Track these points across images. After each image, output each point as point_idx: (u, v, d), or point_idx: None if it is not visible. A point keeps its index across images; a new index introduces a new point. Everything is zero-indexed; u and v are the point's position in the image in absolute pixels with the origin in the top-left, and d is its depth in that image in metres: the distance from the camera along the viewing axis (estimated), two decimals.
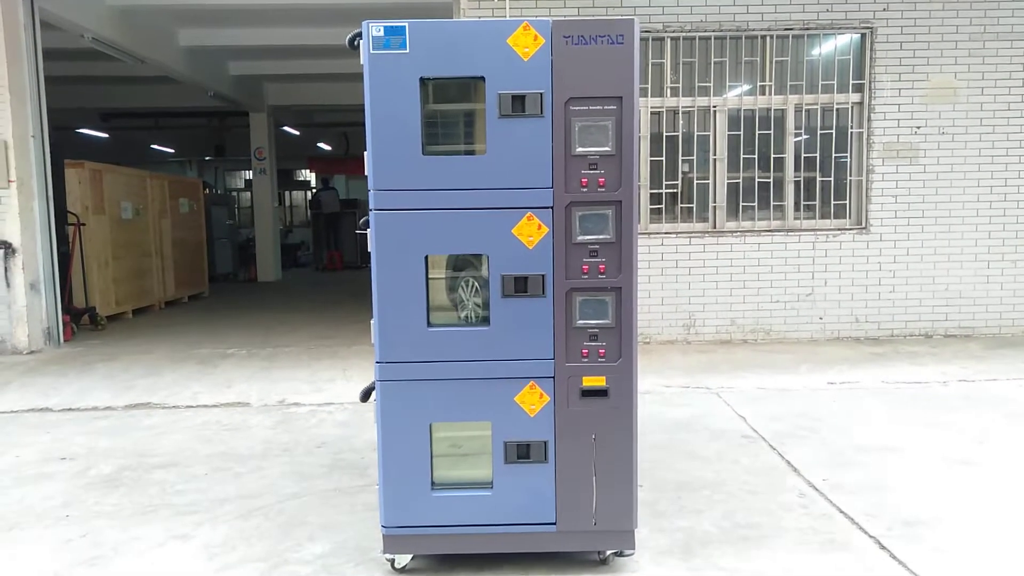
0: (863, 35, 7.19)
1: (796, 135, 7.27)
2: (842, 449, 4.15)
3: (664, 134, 7.21)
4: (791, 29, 7.13)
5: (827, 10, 7.08)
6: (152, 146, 20.58)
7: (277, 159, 15.78)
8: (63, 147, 10.20)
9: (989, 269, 7.32)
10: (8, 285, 7.12)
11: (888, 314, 7.31)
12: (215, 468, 4.05)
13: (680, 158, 7.26)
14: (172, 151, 21.56)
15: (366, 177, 2.62)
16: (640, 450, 3.00)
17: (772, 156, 7.27)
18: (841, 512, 3.32)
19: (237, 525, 3.32)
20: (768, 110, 7.23)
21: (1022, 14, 7.11)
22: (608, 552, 2.80)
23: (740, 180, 7.29)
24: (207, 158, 22.20)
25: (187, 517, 3.41)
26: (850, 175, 7.33)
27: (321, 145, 21.13)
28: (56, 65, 10.13)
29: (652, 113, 7.19)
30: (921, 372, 5.96)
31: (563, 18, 6.84)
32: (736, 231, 7.26)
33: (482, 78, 2.56)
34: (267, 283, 14.65)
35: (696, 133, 7.24)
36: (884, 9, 7.09)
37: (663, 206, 7.27)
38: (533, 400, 2.68)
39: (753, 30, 7.11)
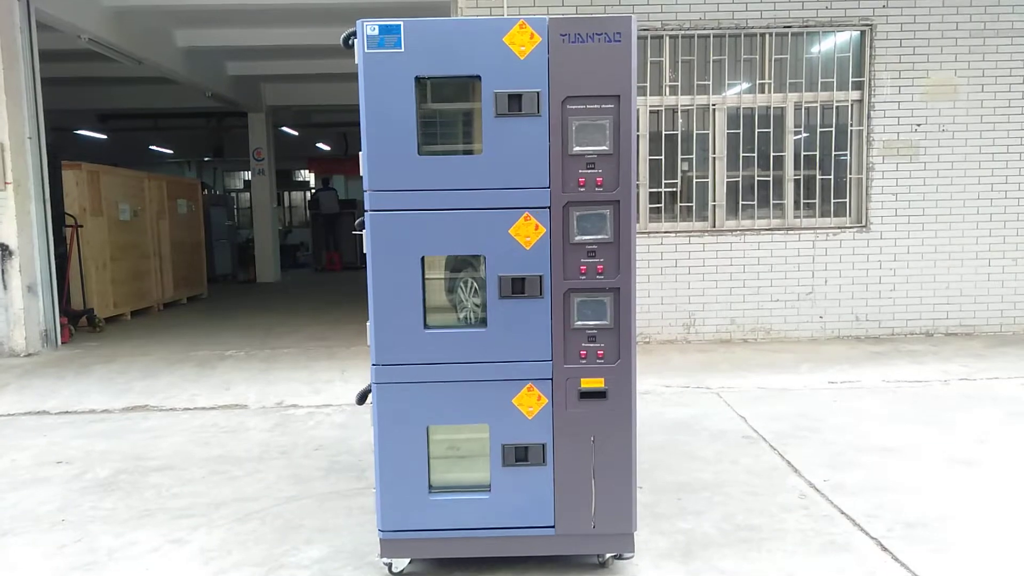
0: (863, 32, 7.15)
1: (796, 133, 7.25)
2: (843, 449, 4.12)
3: (663, 133, 7.18)
4: (790, 27, 7.10)
5: (827, 7, 7.05)
6: (151, 147, 20.56)
7: (276, 159, 15.75)
8: (61, 148, 10.20)
9: (990, 267, 7.29)
10: (5, 288, 7.09)
11: (889, 312, 7.28)
12: (212, 471, 4.02)
13: (679, 157, 7.23)
14: (171, 152, 21.54)
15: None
16: (640, 451, 2.97)
17: (772, 154, 7.24)
18: (842, 513, 3.29)
19: (233, 529, 3.29)
20: (768, 108, 7.20)
21: (1023, 11, 7.08)
22: (607, 555, 2.78)
23: (740, 179, 7.26)
24: (206, 159, 22.19)
25: (183, 521, 3.38)
26: (850, 173, 7.31)
27: (320, 145, 21.11)
28: (53, 66, 10.11)
29: (651, 112, 7.16)
30: (922, 371, 5.93)
31: (561, 16, 6.82)
32: (736, 230, 7.23)
33: (478, 77, 2.53)
34: (266, 284, 14.63)
35: (695, 132, 7.21)
36: (884, 6, 7.06)
37: (662, 205, 7.24)
38: (531, 402, 2.65)
39: (752, 28, 7.08)
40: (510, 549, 2.73)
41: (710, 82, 7.14)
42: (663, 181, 7.21)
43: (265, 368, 6.50)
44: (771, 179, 7.28)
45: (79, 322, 8.44)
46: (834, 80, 7.19)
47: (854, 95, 7.21)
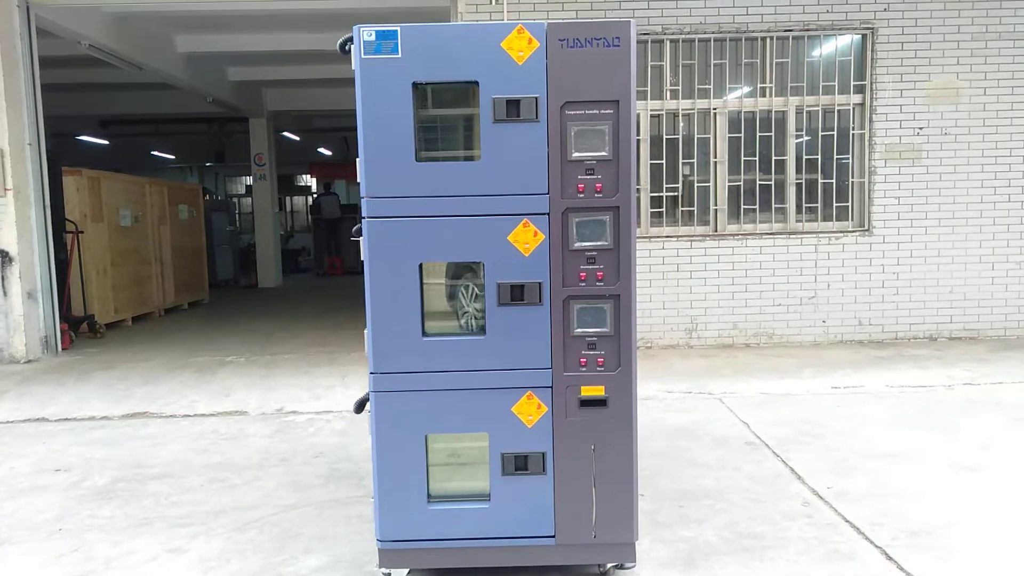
0: (864, 36, 7.13)
1: (797, 137, 7.22)
2: (846, 455, 4.09)
3: (664, 137, 7.16)
4: (791, 30, 7.08)
5: (827, 11, 7.03)
6: (152, 152, 20.58)
7: (278, 164, 15.76)
8: (63, 154, 10.20)
9: (994, 270, 7.26)
10: (5, 294, 7.08)
11: (892, 317, 7.25)
12: (211, 479, 4.00)
13: (680, 161, 7.21)
14: (172, 157, 21.55)
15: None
16: (641, 457, 2.94)
17: (773, 158, 7.22)
18: (846, 521, 3.26)
19: (232, 538, 3.26)
20: (769, 112, 7.18)
21: None
22: (608, 565, 2.75)
23: (741, 183, 7.24)
24: (207, 164, 22.20)
25: (181, 530, 3.36)
26: (852, 177, 7.28)
27: (321, 150, 21.12)
28: (54, 72, 10.12)
29: (652, 116, 7.14)
30: (926, 376, 5.89)
31: (559, 21, 6.81)
32: (737, 234, 7.21)
33: (476, 83, 2.51)
34: (268, 289, 14.62)
35: (696, 136, 7.19)
36: (885, 9, 7.04)
37: (663, 209, 7.22)
38: (531, 410, 2.62)
39: (753, 32, 7.06)
40: (510, 559, 2.70)
41: (711, 86, 7.12)
42: (664, 185, 7.19)
43: (265, 374, 6.48)
44: (773, 183, 7.25)
45: (80, 328, 8.43)
46: (835, 84, 7.17)
47: (856, 99, 7.19)
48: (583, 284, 2.59)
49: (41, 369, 6.94)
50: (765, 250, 7.18)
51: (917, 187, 7.18)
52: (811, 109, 7.21)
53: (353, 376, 6.24)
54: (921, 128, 7.13)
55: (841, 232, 7.24)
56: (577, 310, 2.61)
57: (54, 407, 5.57)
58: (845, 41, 7.20)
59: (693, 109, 7.16)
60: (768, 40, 7.12)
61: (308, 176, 23.70)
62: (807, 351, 6.95)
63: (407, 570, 2.75)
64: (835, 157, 7.24)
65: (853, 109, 7.22)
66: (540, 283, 2.58)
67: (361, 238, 2.60)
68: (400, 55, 2.50)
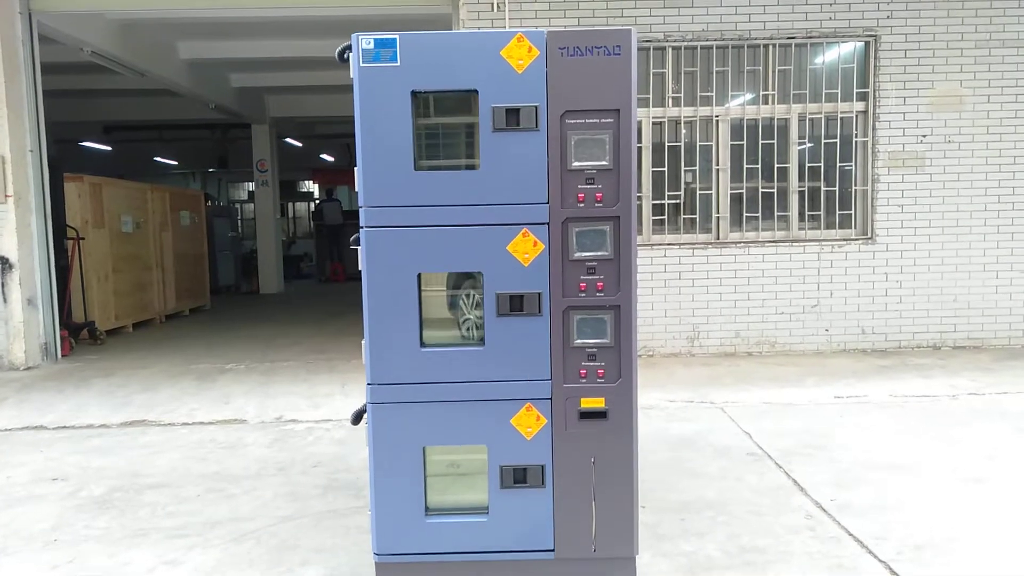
0: (867, 43, 7.11)
1: (800, 144, 7.19)
2: (850, 467, 4.05)
3: (666, 144, 7.14)
4: (794, 38, 7.06)
5: (830, 18, 7.01)
6: (155, 158, 20.61)
7: (280, 170, 15.76)
8: (66, 160, 10.21)
9: (998, 279, 7.21)
10: (5, 301, 7.07)
11: (895, 325, 7.20)
12: (208, 489, 3.96)
13: (682, 168, 7.19)
14: (175, 163, 21.59)
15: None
16: (642, 468, 2.91)
17: (776, 166, 7.19)
18: (850, 535, 3.21)
19: (229, 549, 3.23)
20: (771, 119, 7.16)
21: None
22: None
23: (743, 190, 7.21)
24: (210, 170, 22.23)
25: (178, 541, 3.33)
26: (855, 184, 7.25)
27: (324, 156, 21.13)
28: (57, 79, 10.14)
29: (654, 123, 7.12)
30: (930, 385, 5.85)
31: (560, 28, 6.79)
32: (740, 242, 7.17)
33: (475, 91, 2.49)
34: (269, 295, 14.61)
35: (698, 143, 7.17)
36: (888, 17, 7.02)
37: (665, 217, 7.19)
38: (530, 422, 2.59)
39: (755, 39, 7.04)
40: (508, 573, 2.66)
41: (713, 93, 7.10)
42: (666, 193, 7.16)
43: (265, 381, 6.45)
44: (775, 191, 7.22)
45: (80, 335, 8.41)
46: (838, 91, 7.15)
47: (859, 106, 7.16)
48: (583, 295, 2.56)
49: (40, 376, 6.92)
50: (768, 258, 7.14)
51: (920, 195, 7.14)
52: (814, 117, 7.18)
53: (353, 384, 6.21)
54: (924, 136, 7.10)
55: (844, 240, 7.20)
56: (577, 321, 2.58)
57: (53, 415, 5.55)
58: (848, 48, 7.18)
59: (695, 116, 7.13)
60: (771, 47, 7.10)
61: (310, 182, 23.73)
62: (810, 360, 6.91)
63: None
64: (838, 165, 7.21)
65: (856, 116, 7.19)
66: (540, 293, 2.55)
67: (359, 247, 2.57)
68: (399, 63, 2.48)
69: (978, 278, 7.21)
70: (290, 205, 23.46)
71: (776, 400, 5.51)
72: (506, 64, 2.47)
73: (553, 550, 2.62)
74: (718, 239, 7.21)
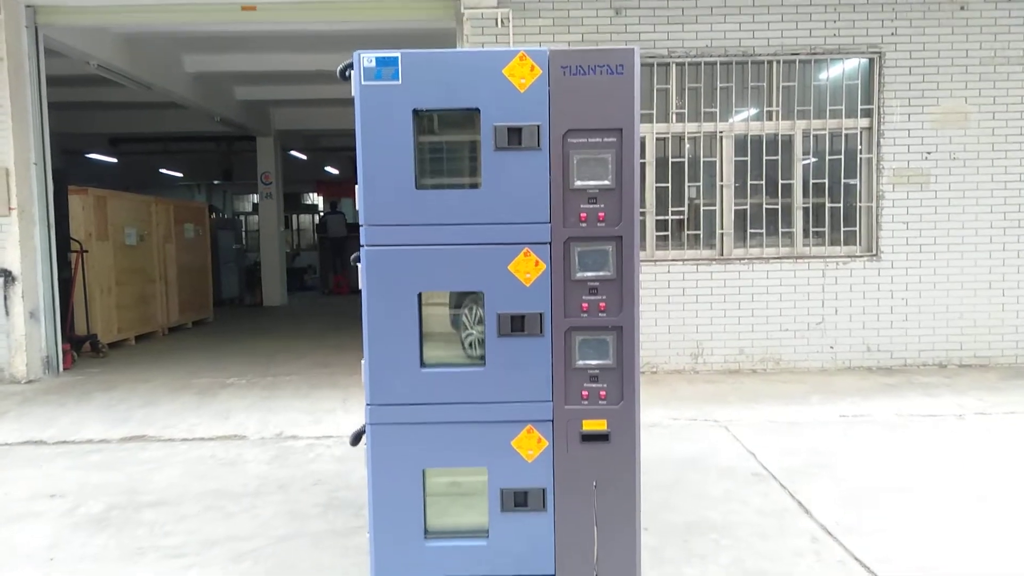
0: (871, 60, 7.10)
1: (804, 160, 7.17)
2: (855, 488, 3.99)
3: (670, 160, 7.12)
4: (798, 54, 7.05)
5: (834, 35, 7.01)
6: (161, 170, 20.68)
7: (285, 183, 15.79)
8: (72, 172, 10.23)
9: (1004, 297, 7.16)
10: (7, 314, 7.06)
11: (901, 343, 7.15)
12: (207, 507, 3.93)
13: (686, 184, 7.17)
14: (181, 175, 21.66)
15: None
16: (645, 489, 2.87)
17: (780, 182, 7.16)
18: (855, 558, 3.16)
19: (227, 569, 3.19)
20: (775, 135, 7.14)
21: None
22: None
23: (747, 206, 7.18)
24: (215, 182, 22.30)
25: (175, 561, 3.29)
26: (860, 201, 7.21)
27: (329, 169, 21.18)
28: (64, 91, 10.19)
29: (658, 139, 7.11)
30: (936, 404, 5.79)
31: (565, 45, 6.80)
32: (744, 258, 7.14)
33: (477, 110, 2.47)
34: (273, 307, 14.60)
35: (702, 159, 7.15)
36: (892, 34, 7.01)
37: (669, 233, 7.16)
38: (531, 445, 2.55)
39: (759, 55, 7.04)
40: None
41: (717, 109, 7.09)
42: (670, 209, 7.14)
43: (267, 396, 6.42)
44: (779, 207, 7.19)
45: (83, 348, 8.40)
46: (843, 107, 7.13)
47: (863, 122, 7.14)
48: (585, 315, 2.53)
49: (42, 389, 6.90)
50: (772, 274, 7.11)
51: (926, 212, 7.11)
52: (818, 133, 7.16)
53: (354, 400, 6.17)
54: (929, 152, 7.08)
55: (849, 257, 7.17)
56: (579, 342, 2.54)
57: (53, 429, 5.52)
58: (852, 65, 7.17)
59: (699, 132, 7.12)
60: (775, 63, 7.09)
61: (315, 194, 23.77)
62: (815, 377, 6.85)
63: None
64: (843, 181, 7.19)
65: (860, 133, 7.17)
66: (541, 314, 2.52)
67: (359, 265, 2.55)
68: (400, 81, 2.46)
69: (984, 295, 7.16)
70: (294, 217, 23.50)
71: (781, 418, 5.46)
72: (508, 83, 2.45)
73: (554, 575, 2.58)
74: (722, 255, 7.18)
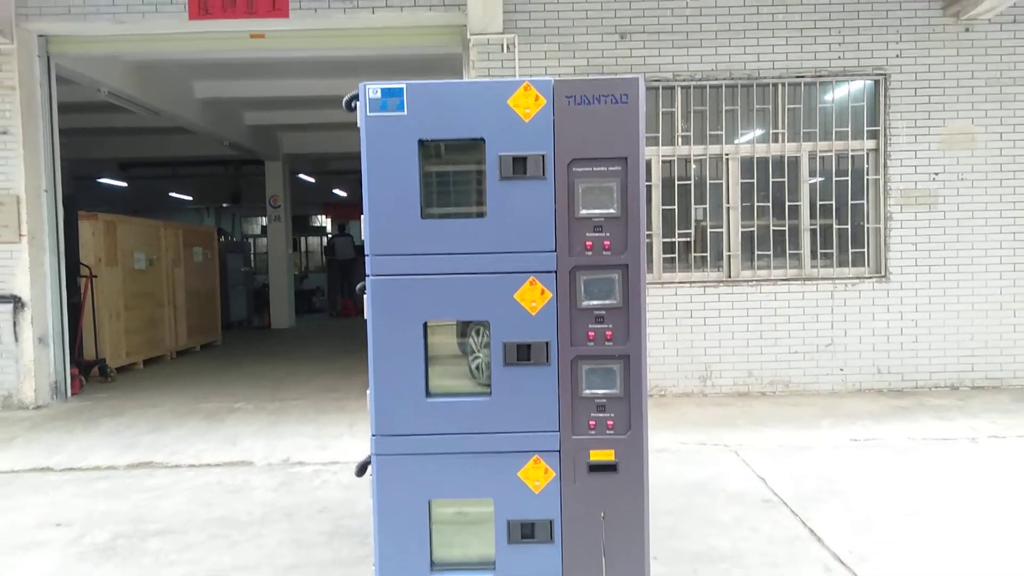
0: (876, 81, 7.11)
1: (811, 181, 7.15)
2: (868, 515, 3.94)
3: (676, 182, 7.13)
4: (803, 77, 7.07)
5: (839, 57, 7.03)
6: (170, 194, 20.85)
7: (293, 205, 15.88)
8: (83, 197, 10.32)
9: (1015, 317, 7.10)
10: (16, 339, 7.09)
11: (912, 365, 7.09)
12: (212, 535, 3.90)
13: (693, 206, 7.16)
14: (190, 199, 21.83)
15: None
16: (653, 515, 2.83)
17: (787, 204, 7.15)
18: None
19: None
20: (782, 157, 7.14)
21: None
22: None
23: (755, 228, 7.17)
24: (224, 205, 22.45)
25: None
26: (868, 222, 7.19)
27: (337, 191, 21.31)
28: (74, 117, 10.31)
29: (664, 161, 7.12)
30: (948, 427, 5.72)
31: (571, 70, 6.83)
32: (751, 280, 7.12)
33: (482, 140, 2.48)
34: (281, 330, 14.62)
35: (709, 181, 7.15)
36: (897, 56, 7.03)
37: (676, 255, 7.15)
38: (537, 475, 2.53)
39: (764, 78, 7.06)
40: None
41: (723, 132, 7.11)
42: (677, 231, 7.13)
43: (274, 421, 6.41)
44: (787, 228, 7.18)
45: (91, 372, 8.41)
46: (849, 129, 7.13)
47: (869, 144, 7.14)
48: (592, 344, 2.52)
49: (50, 415, 6.91)
50: (780, 296, 7.08)
51: (934, 233, 7.08)
52: (824, 154, 7.16)
53: (361, 425, 6.15)
54: (937, 174, 7.06)
55: (857, 278, 7.13)
56: (586, 371, 2.53)
57: (60, 456, 5.51)
58: (858, 87, 7.18)
59: (705, 155, 7.13)
60: (780, 86, 7.11)
61: (323, 216, 23.90)
62: (825, 400, 6.79)
63: None
64: (850, 202, 7.17)
65: (867, 154, 7.17)
66: (547, 342, 2.51)
67: (365, 295, 2.55)
68: (406, 112, 2.48)
69: (995, 317, 7.10)
70: (303, 239, 23.61)
71: (791, 443, 5.40)
72: (513, 113, 2.46)
73: None
74: (729, 277, 7.16)
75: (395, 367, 2.53)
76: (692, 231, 7.19)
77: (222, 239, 15.20)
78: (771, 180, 7.14)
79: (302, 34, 7.42)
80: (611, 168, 2.48)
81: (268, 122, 13.04)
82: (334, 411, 6.72)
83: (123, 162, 16.79)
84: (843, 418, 6.08)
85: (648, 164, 6.90)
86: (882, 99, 7.09)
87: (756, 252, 7.18)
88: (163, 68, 9.66)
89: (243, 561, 3.57)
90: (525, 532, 2.53)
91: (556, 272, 2.51)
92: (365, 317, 2.56)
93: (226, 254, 14.00)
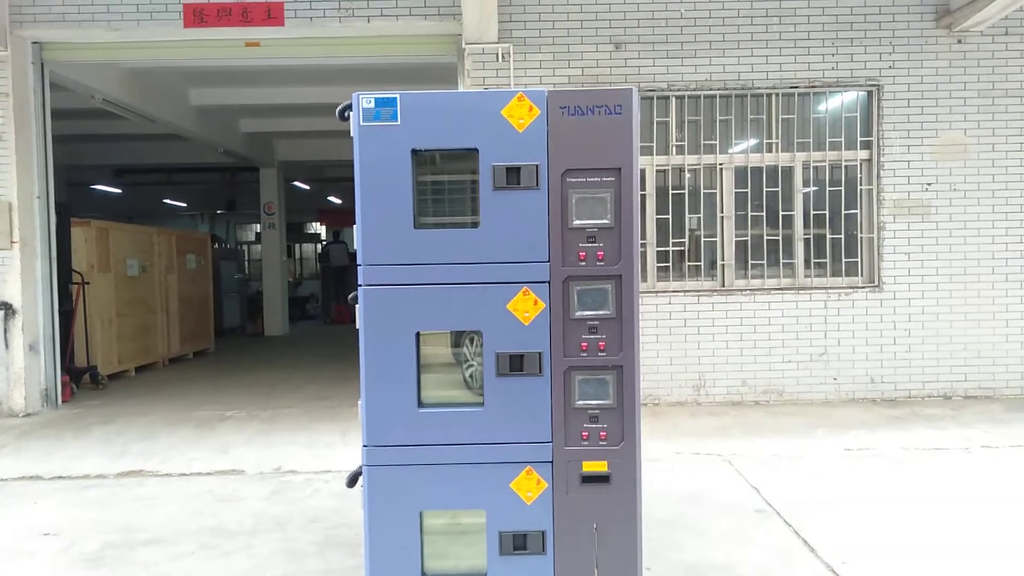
0: (869, 92, 7.15)
1: (804, 190, 7.18)
2: (861, 526, 3.93)
3: (670, 191, 7.14)
4: (796, 87, 7.10)
5: (832, 68, 7.06)
6: (165, 200, 20.80)
7: (288, 212, 15.85)
8: (77, 204, 10.27)
9: (1008, 327, 7.12)
10: (7, 347, 7.04)
11: (905, 374, 7.10)
12: (203, 545, 3.87)
13: (687, 215, 7.18)
14: (184, 205, 21.78)
15: None
16: (647, 526, 2.82)
17: (781, 213, 7.17)
18: None
19: None
20: (775, 167, 7.16)
21: None
22: None
23: (748, 237, 7.18)
24: (219, 212, 22.41)
25: None
26: (861, 232, 7.21)
27: (332, 199, 21.28)
28: (69, 124, 10.29)
29: (658, 171, 7.14)
30: (941, 437, 5.73)
31: (565, 79, 6.85)
32: (745, 289, 7.12)
33: (476, 150, 2.48)
34: (274, 337, 14.57)
35: (703, 190, 7.17)
36: (890, 67, 7.06)
37: (670, 264, 7.16)
38: (530, 486, 2.52)
39: (758, 88, 7.09)
40: None
41: (717, 141, 7.12)
42: (671, 240, 7.14)
43: (266, 429, 6.38)
44: (780, 238, 7.19)
45: (82, 379, 8.36)
46: (842, 139, 7.16)
47: (863, 154, 7.17)
48: (585, 354, 2.52)
49: (40, 423, 6.86)
50: (774, 306, 7.08)
51: (927, 243, 7.10)
52: (818, 164, 7.18)
53: (354, 433, 6.12)
54: (930, 184, 7.09)
55: (851, 288, 7.15)
56: (579, 381, 2.52)
57: (50, 464, 5.47)
58: (851, 97, 7.22)
59: (699, 164, 7.15)
60: (774, 96, 7.14)
61: (318, 224, 23.86)
62: (818, 409, 6.80)
63: None
64: (843, 212, 7.19)
65: (860, 164, 7.20)
66: (540, 353, 2.51)
67: (357, 305, 2.54)
68: (399, 122, 2.48)
69: (988, 326, 7.12)
70: (297, 246, 23.57)
71: (784, 452, 5.40)
72: (507, 123, 2.46)
73: None
74: (723, 286, 7.16)
75: (387, 377, 2.52)
76: (686, 240, 7.19)
77: (216, 246, 15.16)
78: (765, 190, 7.15)
79: (297, 42, 7.41)
80: (605, 179, 2.49)
81: (263, 129, 13.03)
82: (327, 419, 6.69)
83: (118, 168, 16.76)
84: (836, 428, 6.08)
85: (642, 173, 6.91)
86: (875, 110, 7.12)
87: (750, 261, 7.19)
88: (158, 75, 9.65)
89: (233, 571, 3.54)
90: (517, 543, 2.52)
91: (549, 282, 2.51)
92: (357, 327, 2.55)
93: (220, 261, 13.96)
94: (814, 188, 7.22)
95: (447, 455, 2.51)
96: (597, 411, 2.52)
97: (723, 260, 7.17)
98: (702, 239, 7.20)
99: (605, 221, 2.49)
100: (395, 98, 2.47)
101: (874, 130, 7.12)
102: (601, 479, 2.52)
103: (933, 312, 7.11)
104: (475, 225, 2.52)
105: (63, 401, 7.66)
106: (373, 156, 2.49)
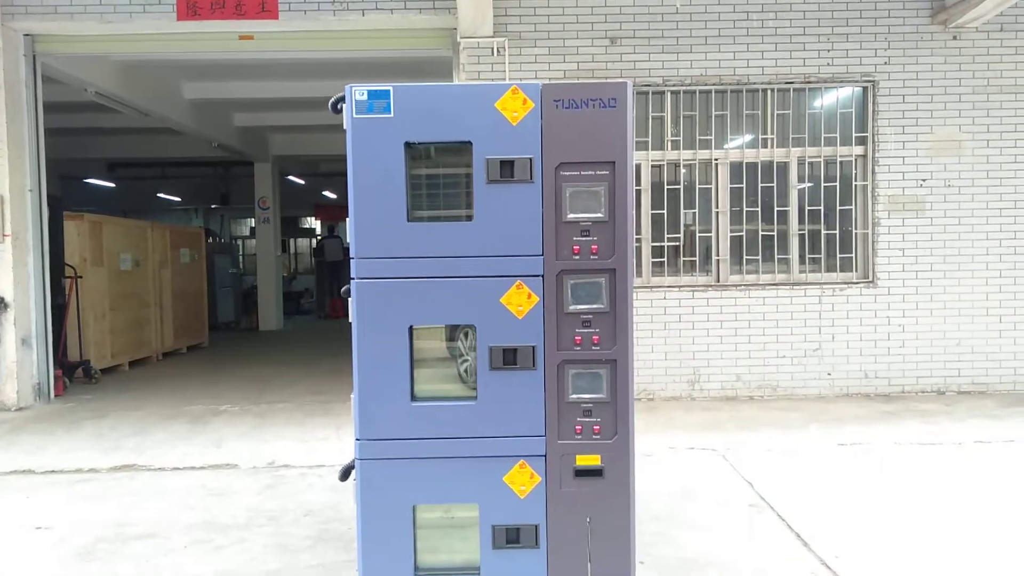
0: (865, 88, 7.15)
1: (799, 186, 7.18)
2: (855, 520, 3.94)
3: (665, 186, 7.14)
4: (792, 83, 7.10)
5: (828, 64, 7.06)
6: (159, 195, 20.72)
7: (283, 206, 15.80)
8: (70, 198, 10.22)
9: (1001, 323, 7.14)
10: None
11: (899, 370, 7.12)
12: (195, 540, 3.86)
13: (682, 210, 7.17)
14: (178, 200, 21.70)
15: None
16: (640, 520, 2.82)
17: (776, 208, 7.17)
18: None
19: None
20: (771, 163, 7.16)
21: None
22: None
23: (743, 233, 7.18)
24: (213, 206, 22.33)
25: None
26: (856, 228, 7.22)
27: (326, 193, 21.23)
28: (61, 117, 10.22)
29: (653, 166, 7.13)
30: (935, 432, 5.75)
31: (560, 74, 6.83)
32: (740, 284, 7.13)
33: (469, 143, 2.47)
34: (268, 332, 14.54)
35: (698, 185, 7.17)
36: (885, 63, 7.06)
37: (665, 259, 7.16)
38: (523, 480, 2.51)
39: (754, 84, 7.08)
40: None
41: (712, 137, 7.12)
42: (666, 235, 7.14)
43: (259, 424, 6.36)
44: (775, 233, 7.19)
45: (75, 374, 8.33)
46: (837, 135, 7.16)
47: (858, 150, 7.17)
48: (578, 348, 2.51)
49: (32, 417, 6.83)
50: (768, 301, 7.09)
51: (921, 239, 7.11)
52: (813, 160, 7.19)
53: (348, 428, 6.07)
54: (924, 180, 7.10)
55: (845, 283, 7.16)
56: (572, 375, 2.52)
57: (42, 458, 5.45)
58: (846, 93, 7.22)
59: (694, 159, 7.14)
60: (769, 92, 7.13)
61: (312, 218, 23.81)
62: (812, 404, 6.81)
63: None
64: (838, 208, 7.20)
65: (855, 160, 7.20)
66: (534, 347, 2.50)
67: (350, 299, 2.53)
68: (392, 115, 2.46)
69: (981, 322, 7.14)
70: (291, 241, 23.51)
71: (778, 447, 5.40)
72: (500, 116, 2.45)
73: None
74: (718, 281, 7.17)
75: (380, 371, 2.51)
76: (681, 235, 7.19)
77: (210, 240, 15.11)
78: (760, 185, 7.16)
79: (291, 36, 7.38)
80: (599, 172, 2.48)
81: (257, 123, 12.97)
82: (320, 414, 6.68)
83: (111, 162, 16.67)
84: (830, 423, 6.10)
85: (638, 168, 6.90)
86: (870, 106, 7.12)
87: (745, 257, 7.19)
88: (151, 68, 9.60)
89: (226, 566, 3.53)
90: (510, 537, 2.51)
91: (543, 276, 2.50)
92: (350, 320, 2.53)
93: (214, 255, 13.91)
94: (809, 184, 7.22)
95: (440, 449, 2.51)
96: (591, 405, 2.52)
97: (718, 255, 7.17)
98: (697, 234, 7.20)
99: (599, 215, 2.49)
100: (388, 91, 2.46)
101: (869, 126, 7.13)
102: (594, 473, 2.51)
103: (927, 307, 7.13)
104: (469, 218, 2.51)
105: (56, 395, 7.63)
106: (366, 149, 2.47)
